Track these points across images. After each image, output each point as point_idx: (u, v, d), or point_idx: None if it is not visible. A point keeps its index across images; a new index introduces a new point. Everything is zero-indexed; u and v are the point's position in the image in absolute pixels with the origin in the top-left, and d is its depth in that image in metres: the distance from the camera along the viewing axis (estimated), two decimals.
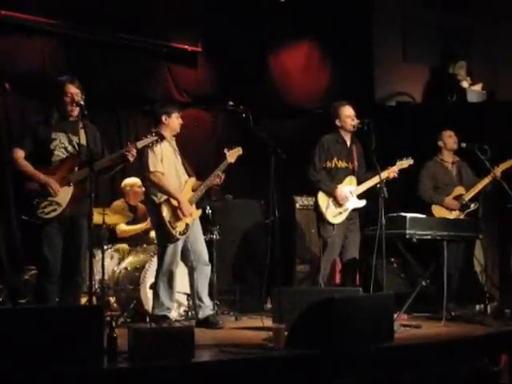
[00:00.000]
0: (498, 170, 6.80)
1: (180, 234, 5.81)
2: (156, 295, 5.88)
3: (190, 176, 6.07)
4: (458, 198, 7.00)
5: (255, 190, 8.04)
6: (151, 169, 5.78)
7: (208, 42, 8.32)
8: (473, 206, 6.95)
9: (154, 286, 5.96)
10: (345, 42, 8.92)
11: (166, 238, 5.83)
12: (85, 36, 7.46)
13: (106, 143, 5.57)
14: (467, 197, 6.96)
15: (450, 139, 7.19)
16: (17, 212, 6.54)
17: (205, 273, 6.00)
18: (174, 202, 5.81)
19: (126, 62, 7.82)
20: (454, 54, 9.49)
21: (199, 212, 6.08)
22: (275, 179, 5.21)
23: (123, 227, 7.15)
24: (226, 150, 6.13)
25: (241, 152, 6.18)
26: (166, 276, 5.86)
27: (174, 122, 5.96)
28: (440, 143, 7.21)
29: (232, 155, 6.13)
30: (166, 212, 5.79)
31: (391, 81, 9.36)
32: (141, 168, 5.91)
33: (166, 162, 5.87)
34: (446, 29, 9.57)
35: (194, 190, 6.01)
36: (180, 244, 5.89)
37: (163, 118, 5.92)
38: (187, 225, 5.86)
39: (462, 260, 7.17)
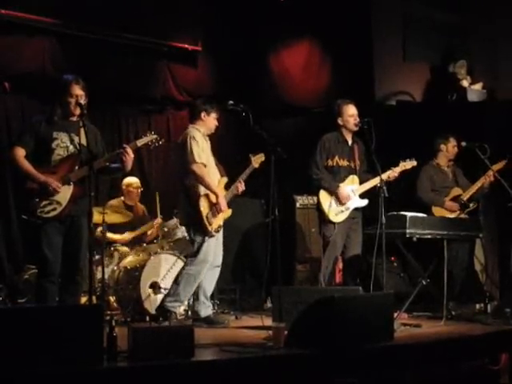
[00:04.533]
0: (492, 172, 6.83)
1: (215, 231, 5.83)
2: (176, 285, 5.84)
3: (222, 176, 6.11)
4: (456, 198, 7.04)
5: (256, 189, 8.05)
6: (197, 160, 5.75)
7: (208, 41, 8.33)
8: (472, 206, 6.99)
9: (177, 276, 5.92)
10: (345, 40, 8.90)
11: (201, 232, 5.82)
12: (85, 35, 7.46)
13: (105, 142, 5.56)
14: (465, 197, 7.01)
15: (454, 149, 7.23)
16: (17, 211, 6.54)
17: (215, 273, 6.04)
18: (213, 197, 5.83)
19: (126, 61, 7.83)
20: (454, 53, 9.48)
21: (229, 212, 6.10)
22: (275, 178, 5.21)
23: (109, 235, 7.09)
24: (251, 155, 6.23)
25: (263, 158, 6.21)
26: (194, 272, 5.83)
27: (211, 121, 5.99)
28: (442, 147, 7.21)
29: (256, 160, 6.22)
30: (204, 206, 5.80)
31: (391, 80, 9.34)
32: (183, 158, 5.84)
33: (205, 156, 5.88)
34: (446, 27, 9.56)
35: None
36: (213, 242, 5.89)
37: (202, 114, 5.94)
38: (220, 224, 5.90)
39: (467, 259, 7.17)
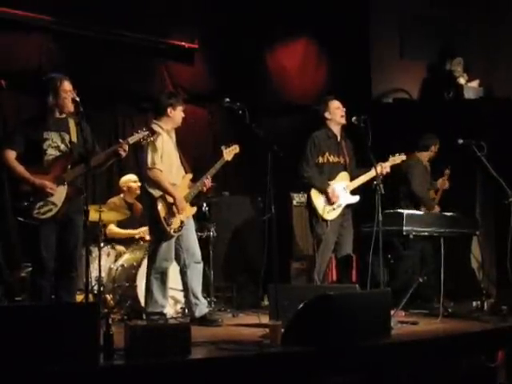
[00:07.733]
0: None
1: (174, 231, 5.78)
2: (149, 293, 5.81)
3: (186, 172, 6.05)
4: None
5: (252, 187, 8.04)
6: (150, 165, 5.73)
7: (205, 39, 8.32)
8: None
9: (146, 284, 5.89)
10: (342, 38, 8.91)
11: (160, 234, 5.79)
12: (81, 33, 7.44)
13: (102, 140, 5.55)
14: (437, 199, 7.54)
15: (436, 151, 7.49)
16: (13, 211, 6.52)
17: (197, 270, 5.94)
18: (170, 199, 5.78)
19: (123, 59, 7.80)
20: (450, 51, 9.49)
21: (194, 209, 6.05)
22: (272, 176, 5.20)
23: (114, 229, 7.13)
24: (223, 148, 6.12)
25: (238, 150, 6.17)
26: (159, 273, 5.82)
27: (177, 115, 5.91)
28: (432, 148, 7.32)
29: (229, 153, 6.12)
30: (161, 208, 5.75)
31: (388, 77, 9.36)
32: (140, 163, 5.88)
33: (166, 156, 5.82)
34: (443, 25, 9.56)
35: (189, 188, 6.00)
36: (173, 241, 5.86)
37: (169, 110, 5.86)
38: (182, 222, 5.82)
39: (432, 259, 7.11)
